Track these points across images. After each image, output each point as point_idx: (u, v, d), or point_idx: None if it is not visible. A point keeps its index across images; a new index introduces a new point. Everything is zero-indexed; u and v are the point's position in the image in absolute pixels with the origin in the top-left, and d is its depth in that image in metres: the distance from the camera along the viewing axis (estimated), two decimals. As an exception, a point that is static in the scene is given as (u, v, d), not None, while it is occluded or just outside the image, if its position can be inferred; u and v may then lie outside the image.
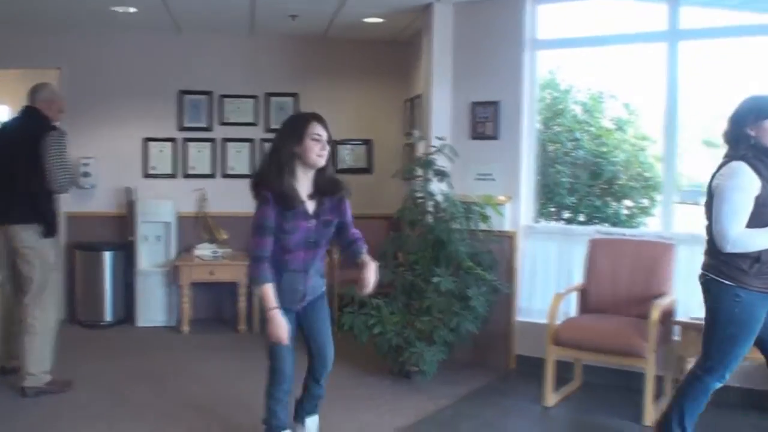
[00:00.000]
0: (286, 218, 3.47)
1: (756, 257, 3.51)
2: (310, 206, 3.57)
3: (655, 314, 4.57)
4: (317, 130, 3.52)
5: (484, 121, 5.89)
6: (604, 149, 7.09)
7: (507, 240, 5.79)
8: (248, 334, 6.90)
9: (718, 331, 3.64)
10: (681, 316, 4.88)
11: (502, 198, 5.74)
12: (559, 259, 5.75)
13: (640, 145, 7.17)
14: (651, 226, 6.54)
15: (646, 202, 6.98)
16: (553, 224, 6.57)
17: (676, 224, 5.43)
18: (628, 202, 7.09)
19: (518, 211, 5.82)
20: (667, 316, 4.82)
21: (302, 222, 3.52)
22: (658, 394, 4.78)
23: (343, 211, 3.70)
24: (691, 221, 6.97)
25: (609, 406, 4.95)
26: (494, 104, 5.85)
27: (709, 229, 3.64)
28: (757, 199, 3.49)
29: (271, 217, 3.46)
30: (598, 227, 6.06)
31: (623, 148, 7.15)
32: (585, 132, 7.16)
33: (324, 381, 3.88)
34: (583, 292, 5.25)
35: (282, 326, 3.44)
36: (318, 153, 3.50)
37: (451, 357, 5.48)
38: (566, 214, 7.11)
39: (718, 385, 3.72)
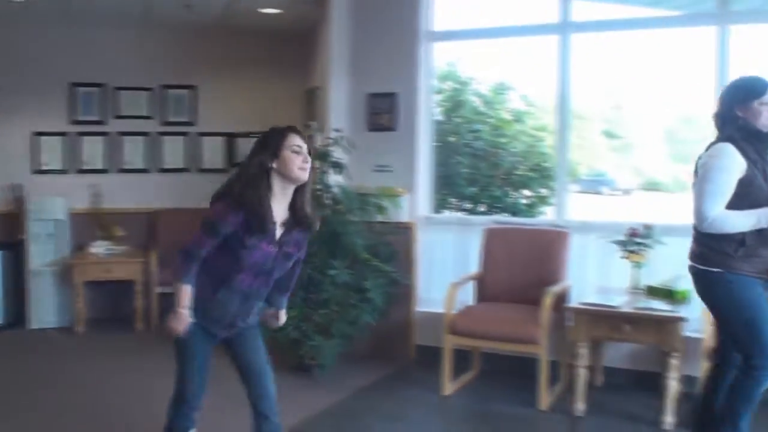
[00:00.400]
0: (251, 233, 3.10)
1: (740, 240, 3.41)
2: (278, 232, 3.19)
3: (548, 301, 4.65)
4: (296, 141, 3.17)
5: (382, 112, 5.87)
6: (504, 140, 7.19)
7: (406, 231, 5.80)
8: (146, 333, 6.72)
9: (735, 325, 3.51)
10: (574, 302, 4.95)
11: (399, 189, 5.75)
12: (458, 249, 5.78)
13: (539, 135, 7.30)
14: (550, 215, 6.65)
15: (544, 191, 7.10)
16: (451, 214, 6.62)
17: (572, 212, 5.53)
18: (527, 192, 7.21)
19: (417, 202, 5.83)
20: (561, 302, 4.90)
21: (265, 244, 3.15)
22: (553, 380, 4.86)
23: (303, 246, 3.36)
24: (590, 210, 7.17)
25: (505, 393, 5.01)
26: (391, 96, 5.84)
27: None
28: (742, 180, 3.40)
29: (229, 225, 3.06)
30: (495, 217, 6.13)
31: (521, 139, 7.26)
32: (485, 123, 7.24)
33: (274, 409, 3.39)
34: (480, 281, 5.31)
35: (184, 322, 3.13)
36: (300, 166, 3.13)
37: (350, 349, 5.46)
38: (467, 205, 7.18)
39: None
